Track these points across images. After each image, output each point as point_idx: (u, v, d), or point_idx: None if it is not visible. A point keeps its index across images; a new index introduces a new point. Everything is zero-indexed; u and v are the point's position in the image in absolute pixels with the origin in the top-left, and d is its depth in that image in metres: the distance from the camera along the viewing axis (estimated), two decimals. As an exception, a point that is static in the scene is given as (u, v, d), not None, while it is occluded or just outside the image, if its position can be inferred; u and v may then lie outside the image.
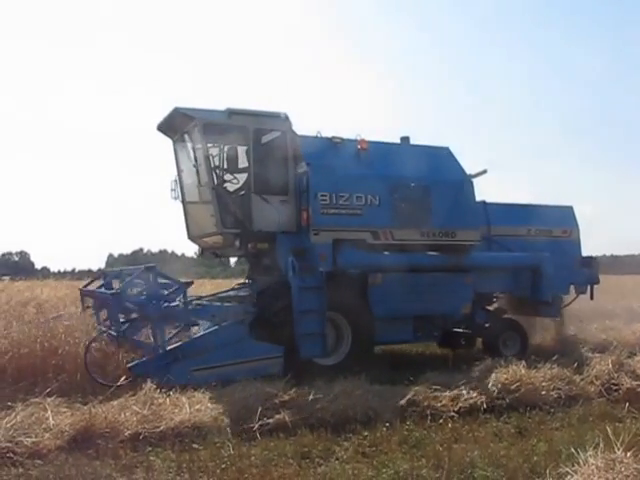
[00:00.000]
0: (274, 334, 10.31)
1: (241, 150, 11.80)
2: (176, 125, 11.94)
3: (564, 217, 14.66)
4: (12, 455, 6.50)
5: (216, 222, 11.30)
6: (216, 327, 10.30)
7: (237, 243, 11.46)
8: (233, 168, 11.75)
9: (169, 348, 9.69)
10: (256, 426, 7.51)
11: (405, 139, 13.05)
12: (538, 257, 13.45)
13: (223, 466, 6.39)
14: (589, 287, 14.63)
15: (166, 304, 10.10)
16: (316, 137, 12.06)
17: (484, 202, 13.62)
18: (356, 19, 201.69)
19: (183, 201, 12.67)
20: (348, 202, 11.57)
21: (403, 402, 8.46)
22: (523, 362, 9.70)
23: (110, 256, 74.92)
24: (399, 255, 11.89)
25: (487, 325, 13.21)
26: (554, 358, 10.22)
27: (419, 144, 13.03)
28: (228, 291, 12.65)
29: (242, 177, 11.74)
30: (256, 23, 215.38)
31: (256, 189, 11.38)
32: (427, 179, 12.42)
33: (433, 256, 12.31)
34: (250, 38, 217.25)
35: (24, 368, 9.51)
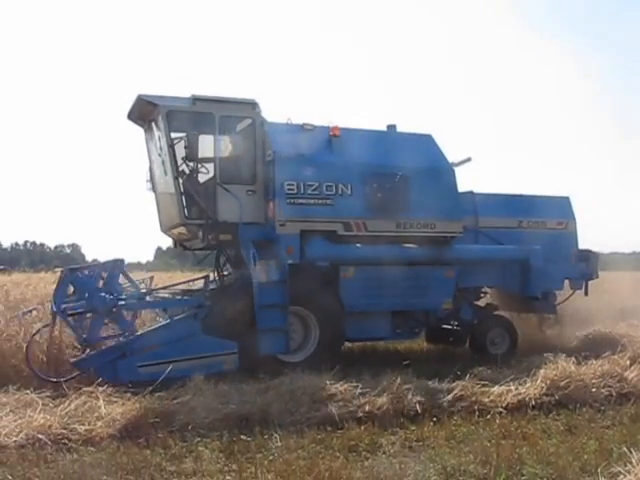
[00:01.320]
0: (235, 329, 9.93)
1: (207, 138, 11.28)
2: (143, 113, 11.55)
3: (559, 208, 13.93)
4: (67, 441, 6.71)
5: (179, 213, 10.94)
6: (167, 321, 10.02)
7: (200, 234, 11.08)
8: (197, 157, 10.98)
9: (114, 344, 9.43)
10: (303, 419, 7.56)
11: (391, 127, 12.50)
12: (526, 250, 12.86)
13: (271, 457, 6.44)
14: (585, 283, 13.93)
15: (114, 297, 9.73)
16: (286, 124, 11.56)
17: (472, 192, 13.07)
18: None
19: (154, 192, 12.34)
20: (317, 191, 11.11)
21: (450, 397, 8.40)
22: (573, 358, 9.55)
23: (158, 249, 75.76)
24: (372, 247, 11.38)
25: (474, 322, 12.79)
26: (605, 355, 10.05)
27: (399, 131, 12.51)
28: (189, 281, 12.23)
29: (211, 166, 11.27)
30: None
31: (222, 179, 10.98)
32: (404, 167, 11.79)
33: (409, 248, 11.71)
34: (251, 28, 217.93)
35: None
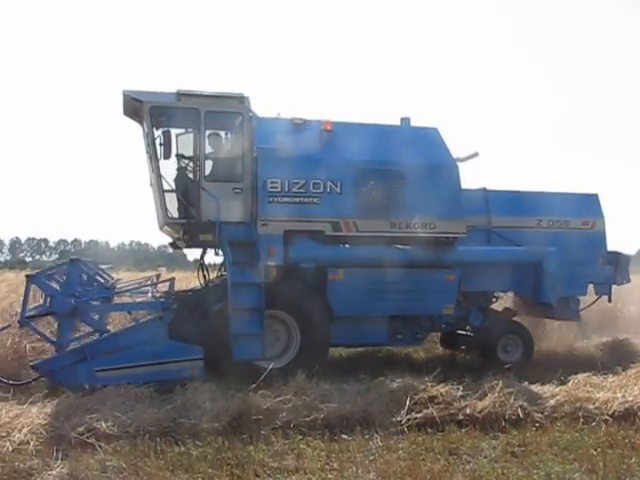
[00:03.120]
0: (209, 333, 9.67)
1: (193, 134, 11.02)
2: (134, 110, 10.88)
3: (585, 206, 12.60)
4: (175, 435, 6.95)
5: (162, 212, 10.55)
6: (132, 324, 9.82)
7: (181, 234, 10.71)
8: (170, 155, 10.46)
9: (75, 347, 9.19)
10: (404, 420, 7.57)
11: (405, 120, 11.62)
12: (539, 252, 11.67)
13: (371, 457, 6.50)
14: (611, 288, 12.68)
15: (80, 299, 9.50)
16: (275, 119, 10.99)
17: (484, 189, 12.18)
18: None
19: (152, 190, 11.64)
20: (303, 189, 10.43)
21: (553, 402, 8.24)
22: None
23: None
24: (363, 248, 10.66)
25: (483, 327, 11.85)
26: None
27: (400, 125, 11.59)
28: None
29: (204, 164, 10.72)
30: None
31: (207, 176, 10.54)
32: (401, 163, 10.94)
33: (404, 250, 10.81)
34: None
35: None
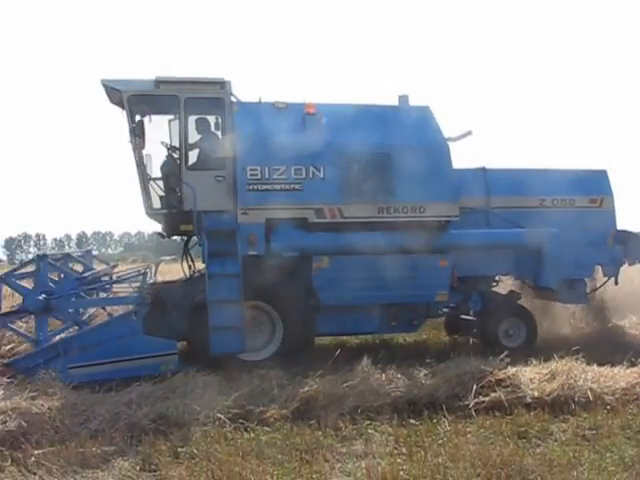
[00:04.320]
0: (191, 326, 9.63)
1: (174, 122, 10.68)
2: (116, 98, 10.49)
3: (593, 184, 11.94)
4: (244, 421, 7.06)
5: (144, 202, 10.30)
6: (105, 320, 9.66)
7: (162, 224, 10.61)
8: (144, 145, 10.29)
9: (49, 343, 9.10)
10: (471, 403, 7.54)
11: (404, 97, 11.20)
12: (539, 233, 11.12)
13: (440, 442, 6.49)
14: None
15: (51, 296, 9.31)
16: (256, 103, 10.64)
17: (483, 168, 11.60)
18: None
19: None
20: (284, 176, 10.14)
21: (624, 384, 8.07)
22: None
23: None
24: (348, 235, 10.29)
25: (484, 311, 11.35)
26: None
27: (389, 105, 11.17)
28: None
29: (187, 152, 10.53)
30: None
31: (188, 164, 10.31)
32: (388, 145, 10.55)
33: (392, 235, 10.39)
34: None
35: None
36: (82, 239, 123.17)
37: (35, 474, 5.79)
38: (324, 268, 10.22)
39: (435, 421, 7.11)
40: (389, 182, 10.47)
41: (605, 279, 12.12)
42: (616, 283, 12.06)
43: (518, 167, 11.90)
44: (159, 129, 10.83)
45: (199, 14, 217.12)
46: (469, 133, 11.39)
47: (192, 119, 10.68)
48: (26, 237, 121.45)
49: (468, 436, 6.67)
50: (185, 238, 11.22)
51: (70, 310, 10.06)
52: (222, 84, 10.27)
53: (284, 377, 8.17)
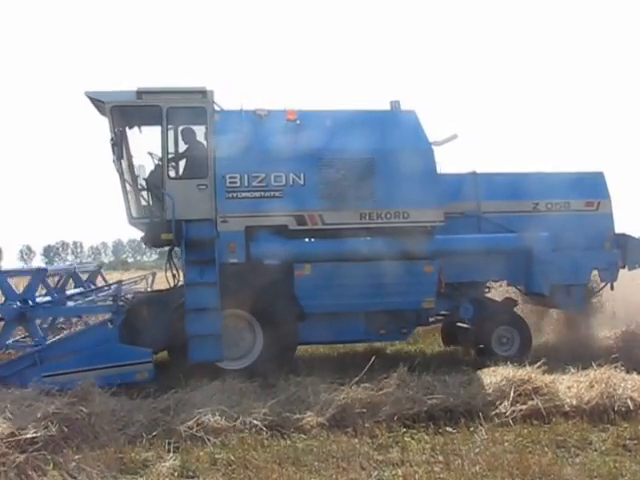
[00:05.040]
0: (171, 335, 9.53)
1: (157, 132, 10.51)
2: (102, 110, 10.46)
3: (589, 186, 11.65)
4: (280, 428, 7.08)
5: (125, 212, 10.37)
6: (82, 328, 9.64)
7: (144, 234, 10.54)
8: (122, 156, 10.42)
9: (27, 352, 9.01)
10: (508, 411, 7.47)
11: (395, 103, 10.96)
12: (528, 238, 10.78)
13: (477, 450, 6.43)
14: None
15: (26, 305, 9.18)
16: (238, 111, 10.50)
17: (474, 173, 11.42)
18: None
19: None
20: (264, 183, 10.02)
21: (665, 393, 7.95)
22: None
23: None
24: (330, 242, 10.25)
25: (476, 319, 11.05)
26: None
27: (372, 110, 10.97)
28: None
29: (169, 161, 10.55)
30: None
31: (170, 173, 10.31)
32: (371, 150, 10.39)
33: (375, 242, 10.28)
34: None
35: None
36: (118, 247, 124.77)
37: (75, 478, 5.89)
38: (306, 276, 10.10)
39: (472, 429, 7.08)
40: (371, 188, 10.35)
41: (602, 285, 11.83)
42: (612, 288, 11.75)
43: (510, 171, 11.78)
44: (152, 139, 10.83)
45: (201, 18, 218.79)
46: (455, 137, 11.20)
47: (173, 129, 10.71)
48: (64, 245, 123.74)
49: (505, 445, 6.61)
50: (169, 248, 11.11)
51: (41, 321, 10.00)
52: (204, 93, 10.28)
53: (320, 384, 8.14)
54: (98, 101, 10.20)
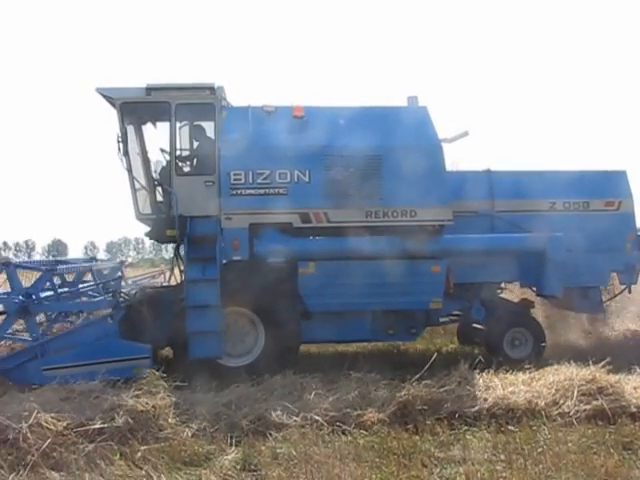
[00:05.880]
0: (174, 331, 9.47)
1: (166, 128, 10.53)
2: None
3: (610, 186, 11.26)
4: (341, 424, 7.11)
5: (133, 207, 10.45)
6: (83, 322, 9.69)
7: (151, 229, 10.58)
8: (127, 152, 10.37)
9: (28, 345, 9.00)
10: (572, 411, 7.36)
11: (412, 98, 10.81)
12: (541, 238, 10.46)
13: (539, 450, 6.36)
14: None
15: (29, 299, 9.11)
16: (245, 107, 10.47)
17: (488, 170, 11.18)
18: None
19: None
20: (269, 180, 9.90)
21: None
22: None
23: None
24: (334, 240, 10.09)
25: (489, 320, 10.79)
26: None
27: (383, 106, 10.73)
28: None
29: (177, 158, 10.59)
30: None
31: (178, 170, 10.37)
32: (378, 147, 10.18)
33: (381, 241, 10.01)
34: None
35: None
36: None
37: (141, 469, 6.01)
38: (310, 274, 9.98)
39: (534, 428, 6.99)
40: (378, 185, 10.15)
41: (623, 287, 11.43)
42: (629, 292, 11.43)
43: (527, 169, 11.44)
44: (160, 135, 10.94)
45: (205, 17, 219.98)
46: (466, 134, 10.92)
47: (182, 125, 10.81)
48: (126, 241, 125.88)
49: (569, 445, 6.49)
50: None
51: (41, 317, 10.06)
52: (212, 89, 10.27)
53: (381, 381, 8.15)
54: (108, 97, 10.28)
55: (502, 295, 11.75)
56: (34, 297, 9.15)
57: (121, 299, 9.69)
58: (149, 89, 10.21)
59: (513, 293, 12.36)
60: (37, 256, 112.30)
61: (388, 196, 10.11)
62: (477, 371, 8.38)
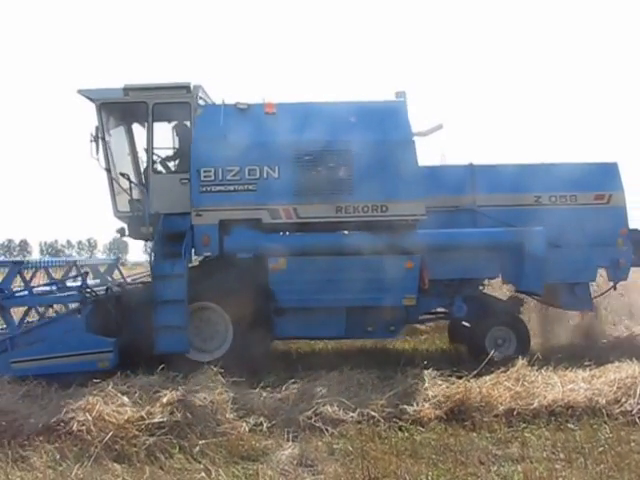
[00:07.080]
0: (138, 326, 9.49)
1: (144, 128, 10.79)
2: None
3: (599, 178, 10.89)
4: (397, 420, 7.13)
5: (111, 205, 10.67)
6: (50, 317, 9.72)
7: (127, 227, 10.69)
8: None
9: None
10: (635, 410, 7.17)
11: (401, 93, 10.68)
12: (520, 232, 10.21)
13: (600, 449, 6.23)
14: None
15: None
16: (219, 105, 10.59)
17: (470, 164, 10.92)
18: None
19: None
20: (238, 177, 9.94)
21: None
22: None
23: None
24: (304, 236, 10.12)
25: (471, 318, 10.54)
26: None
27: (357, 101, 10.69)
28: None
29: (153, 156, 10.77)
30: None
31: (154, 168, 10.58)
32: (348, 142, 10.05)
33: (352, 236, 10.11)
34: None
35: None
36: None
37: (200, 463, 6.13)
38: (281, 269, 9.97)
39: (595, 427, 6.86)
40: (348, 180, 10.07)
41: (612, 284, 11.04)
42: (614, 288, 11.07)
43: (511, 162, 11.12)
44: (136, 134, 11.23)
45: (204, 17, 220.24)
46: (440, 127, 10.74)
47: (163, 124, 10.99)
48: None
49: (632, 445, 6.36)
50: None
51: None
52: (188, 88, 10.40)
53: (438, 377, 8.08)
54: (88, 98, 10.48)
55: (494, 293, 11.68)
56: (6, 292, 9.38)
57: (88, 295, 9.63)
58: (127, 89, 10.43)
59: (507, 290, 12.12)
60: (99, 254, 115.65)
61: (358, 191, 10.03)
62: (536, 367, 8.26)
